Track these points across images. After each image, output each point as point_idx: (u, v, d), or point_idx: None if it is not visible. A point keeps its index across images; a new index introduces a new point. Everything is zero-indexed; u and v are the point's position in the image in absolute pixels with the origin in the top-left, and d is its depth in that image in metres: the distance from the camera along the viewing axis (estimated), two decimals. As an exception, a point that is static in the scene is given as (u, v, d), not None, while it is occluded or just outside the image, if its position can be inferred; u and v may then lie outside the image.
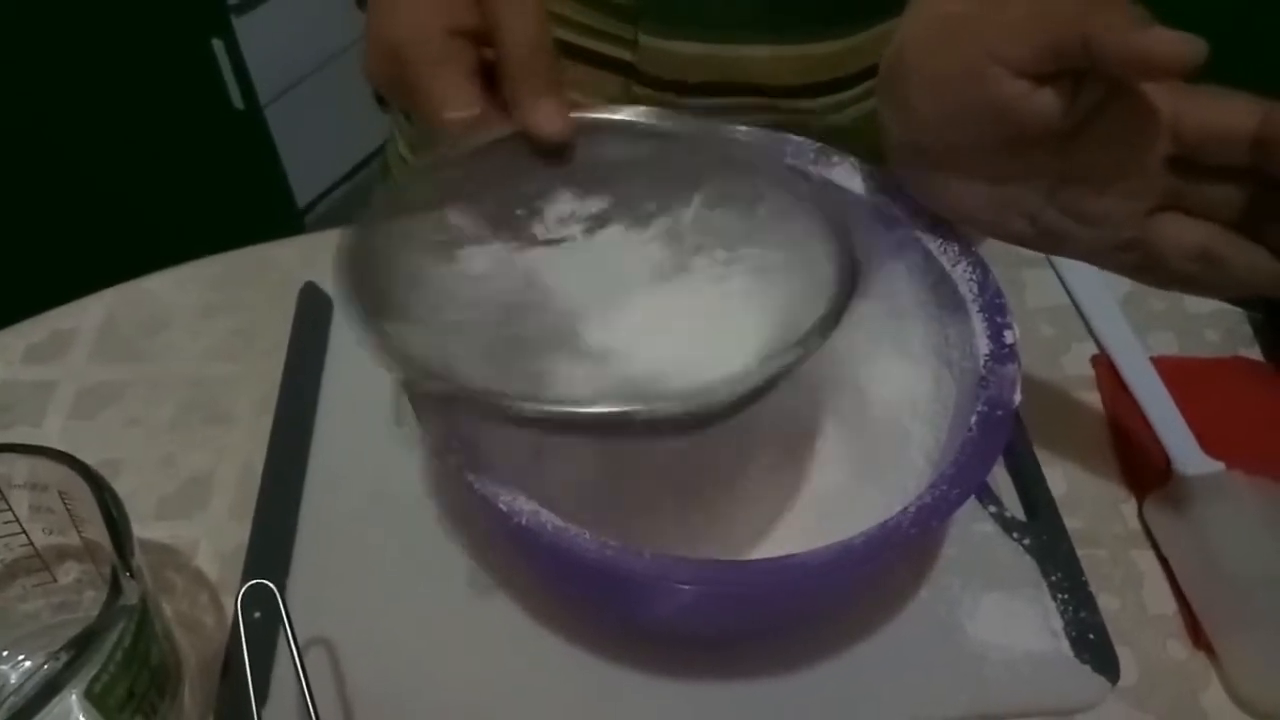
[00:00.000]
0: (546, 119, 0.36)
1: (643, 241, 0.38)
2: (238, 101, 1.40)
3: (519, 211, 0.37)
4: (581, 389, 0.33)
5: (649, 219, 0.38)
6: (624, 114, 0.38)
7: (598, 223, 0.38)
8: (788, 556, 0.33)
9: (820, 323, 0.33)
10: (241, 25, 1.35)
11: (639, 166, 0.38)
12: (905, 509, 0.33)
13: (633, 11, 0.51)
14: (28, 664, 0.39)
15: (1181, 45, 0.29)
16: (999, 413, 0.36)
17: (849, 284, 0.35)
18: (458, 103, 0.35)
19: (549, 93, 0.36)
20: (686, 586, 0.33)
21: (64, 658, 0.29)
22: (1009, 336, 0.38)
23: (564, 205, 0.37)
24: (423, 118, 0.36)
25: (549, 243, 0.37)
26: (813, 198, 0.38)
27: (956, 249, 0.40)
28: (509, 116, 0.36)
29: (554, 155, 0.37)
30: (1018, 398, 0.36)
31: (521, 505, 0.33)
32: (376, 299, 0.33)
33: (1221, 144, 0.31)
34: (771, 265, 0.37)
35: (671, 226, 0.38)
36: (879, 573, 0.41)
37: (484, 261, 0.36)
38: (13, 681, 0.38)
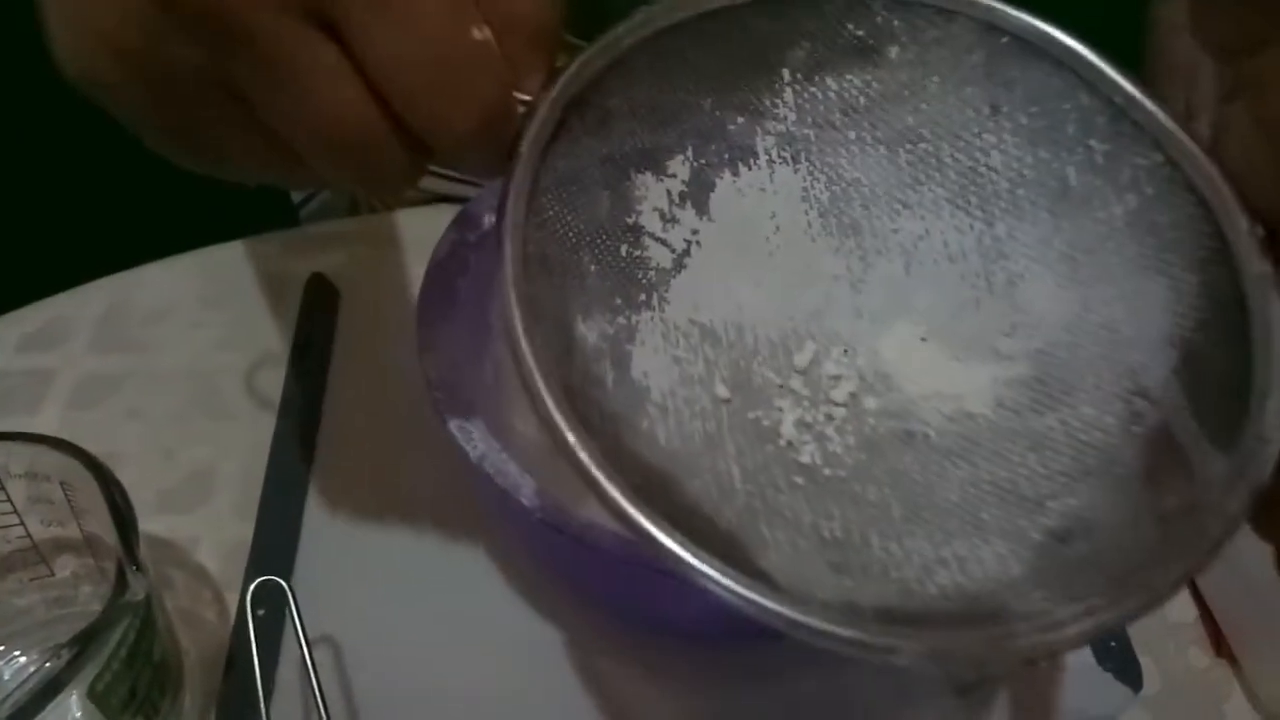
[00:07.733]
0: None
1: (764, 183, 0.27)
2: (235, 94, 1.39)
3: (624, 249, 0.26)
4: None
5: (748, 142, 0.27)
6: (617, 40, 0.25)
7: (700, 190, 0.27)
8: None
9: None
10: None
11: (686, 89, 0.27)
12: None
13: None
14: (22, 659, 0.38)
15: None
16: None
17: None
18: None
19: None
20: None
21: (66, 655, 0.28)
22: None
23: (651, 199, 0.27)
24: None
25: (679, 262, 0.27)
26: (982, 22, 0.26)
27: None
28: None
29: (589, 151, 0.26)
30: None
31: (541, 500, 0.32)
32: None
33: None
34: (962, 138, 0.26)
35: (778, 135, 0.27)
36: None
37: (644, 351, 0.25)
38: (6, 678, 0.37)
